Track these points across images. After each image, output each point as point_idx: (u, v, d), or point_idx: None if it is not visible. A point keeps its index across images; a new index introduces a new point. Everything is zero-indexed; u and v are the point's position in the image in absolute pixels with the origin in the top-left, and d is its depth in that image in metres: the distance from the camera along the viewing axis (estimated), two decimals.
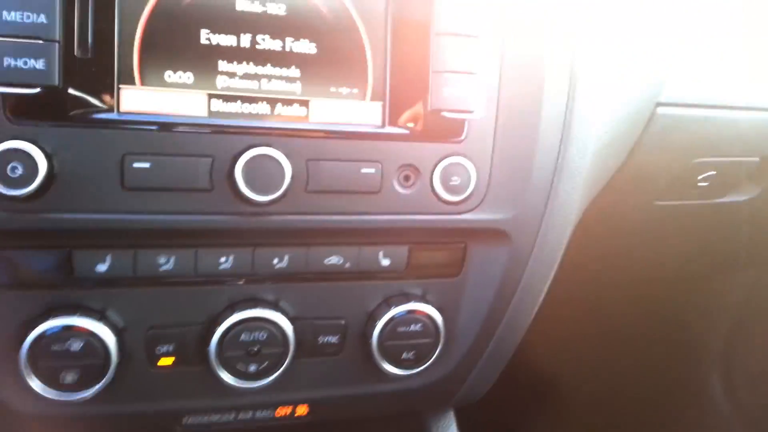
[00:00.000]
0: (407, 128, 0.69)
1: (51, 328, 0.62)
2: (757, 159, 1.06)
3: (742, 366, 1.46)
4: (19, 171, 0.56)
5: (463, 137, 0.71)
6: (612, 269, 1.21)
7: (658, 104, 0.90)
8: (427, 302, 0.75)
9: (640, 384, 1.54)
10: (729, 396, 1.48)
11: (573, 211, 0.79)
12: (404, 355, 0.74)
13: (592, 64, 0.77)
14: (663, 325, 1.47)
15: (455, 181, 0.71)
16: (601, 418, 1.59)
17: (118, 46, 0.60)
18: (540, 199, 0.77)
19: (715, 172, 1.03)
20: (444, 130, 0.70)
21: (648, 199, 1.04)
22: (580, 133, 0.77)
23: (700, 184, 1.05)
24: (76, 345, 0.62)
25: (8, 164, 0.56)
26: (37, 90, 0.57)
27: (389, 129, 0.69)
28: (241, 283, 0.69)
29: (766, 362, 1.41)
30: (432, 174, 0.70)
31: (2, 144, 0.56)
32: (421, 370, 0.76)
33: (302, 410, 0.77)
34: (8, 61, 0.55)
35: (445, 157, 0.70)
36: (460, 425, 0.94)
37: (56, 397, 0.63)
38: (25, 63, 0.55)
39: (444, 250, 0.76)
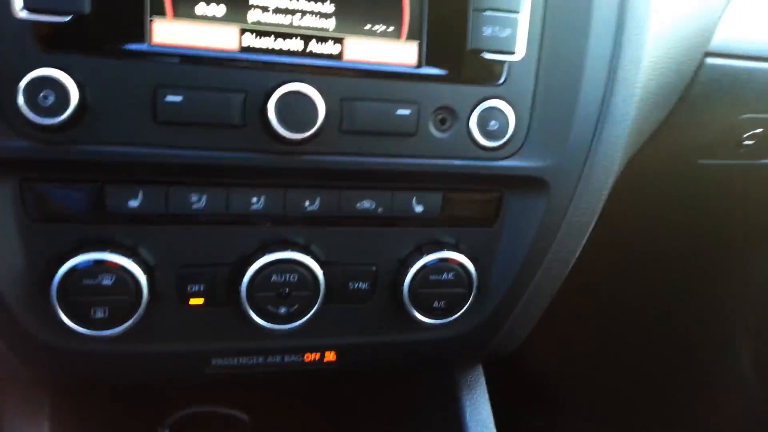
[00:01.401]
0: (445, 69, 0.67)
1: (82, 262, 0.61)
2: None
3: None
4: (51, 100, 0.55)
5: (503, 80, 0.68)
6: (648, 229, 1.18)
7: (707, 54, 0.86)
8: (460, 251, 0.73)
9: (669, 352, 1.52)
10: (756, 369, 1.45)
11: (615, 161, 0.76)
12: (435, 304, 0.73)
13: (642, 3, 0.73)
14: (696, 293, 1.44)
15: (493, 125, 0.68)
16: (629, 382, 1.57)
17: None
18: (582, 147, 0.73)
19: (762, 130, 0.99)
20: (483, 71, 0.67)
21: (691, 157, 1.00)
22: (627, 79, 0.73)
23: (745, 142, 1.01)
24: (107, 280, 0.62)
25: (40, 92, 0.55)
26: (66, 18, 0.55)
27: (426, 69, 0.66)
28: (271, 224, 0.68)
29: None
30: (469, 118, 0.68)
31: (33, 72, 0.55)
32: (452, 320, 0.74)
33: (330, 356, 0.77)
34: None
35: (484, 100, 0.67)
36: (489, 381, 0.93)
37: (87, 332, 0.63)
38: None
39: (479, 198, 0.74)
